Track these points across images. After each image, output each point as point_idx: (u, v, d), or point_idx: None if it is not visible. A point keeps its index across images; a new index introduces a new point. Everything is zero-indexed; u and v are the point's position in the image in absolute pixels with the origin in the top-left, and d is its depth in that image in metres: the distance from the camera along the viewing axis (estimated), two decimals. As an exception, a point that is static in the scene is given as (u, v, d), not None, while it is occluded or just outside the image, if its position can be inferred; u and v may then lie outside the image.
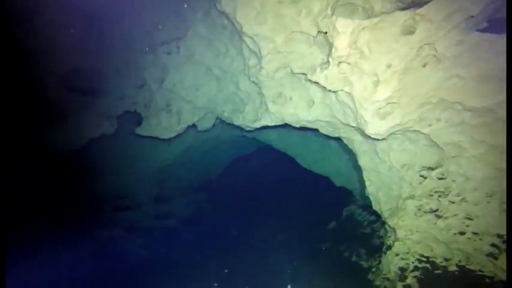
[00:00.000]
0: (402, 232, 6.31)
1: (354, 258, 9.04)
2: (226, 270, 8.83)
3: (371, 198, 7.53)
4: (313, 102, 6.92)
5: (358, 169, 10.54)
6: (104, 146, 9.79)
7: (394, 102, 5.23)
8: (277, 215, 14.12)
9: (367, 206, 11.23)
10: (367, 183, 7.49)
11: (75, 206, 11.21)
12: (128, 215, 12.65)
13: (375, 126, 5.55)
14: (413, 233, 6.17)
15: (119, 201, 12.51)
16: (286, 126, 11.24)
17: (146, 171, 12.28)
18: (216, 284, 7.78)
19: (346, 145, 10.87)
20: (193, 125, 9.87)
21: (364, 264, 8.41)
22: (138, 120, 8.65)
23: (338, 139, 11.04)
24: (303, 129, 10.49)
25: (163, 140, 8.95)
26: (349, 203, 12.46)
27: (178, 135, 10.17)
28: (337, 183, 12.45)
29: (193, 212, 15.36)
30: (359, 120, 5.88)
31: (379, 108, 5.32)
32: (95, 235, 11.50)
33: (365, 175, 7.50)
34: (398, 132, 5.91)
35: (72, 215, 11.18)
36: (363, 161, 7.39)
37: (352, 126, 6.65)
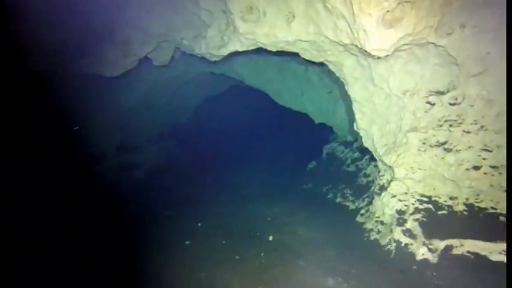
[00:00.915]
0: (402, 171, 5.30)
1: (338, 200, 8.22)
2: (199, 224, 7.80)
3: (362, 133, 6.40)
4: (294, 16, 5.30)
5: (344, 102, 9.34)
6: (41, 86, 7.76)
7: (407, 1, 3.77)
8: (254, 158, 13.05)
9: (349, 142, 10.29)
10: (357, 117, 6.29)
11: (23, 163, 9.47)
12: (89, 169, 11.10)
13: (379, 39, 4.14)
14: (415, 171, 5.17)
15: (76, 153, 10.84)
16: (260, 53, 9.61)
17: (103, 117, 10.48)
18: (187, 242, 6.75)
19: (328, 76, 9.54)
20: (149, 60, 8.04)
21: (351, 205, 7.60)
22: (74, 52, 6.71)
23: (320, 69, 9.68)
24: (281, 55, 8.97)
25: (112, 78, 7.15)
26: (329, 140, 11.49)
27: (131, 73, 8.34)
28: (317, 120, 11.31)
29: (163, 161, 13.99)
30: (356, 34, 4.43)
31: (387, 11, 3.86)
32: (56, 194, 9.98)
33: (355, 107, 6.26)
34: (405, 48, 4.55)
35: (24, 173, 9.51)
36: (354, 91, 6.09)
37: (343, 45, 5.20)
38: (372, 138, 6.06)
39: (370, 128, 6.09)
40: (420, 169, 5.10)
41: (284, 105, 11.75)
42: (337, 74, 6.40)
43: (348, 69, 5.91)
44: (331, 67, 6.40)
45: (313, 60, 6.37)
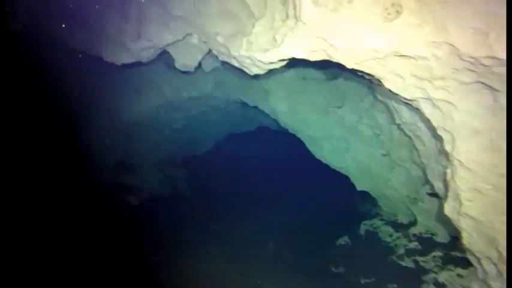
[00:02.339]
0: None
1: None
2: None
3: (464, 223, 3.77)
4: (401, 7, 3.12)
5: (404, 168, 6.82)
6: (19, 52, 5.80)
7: None
8: (272, 214, 10.41)
9: (401, 225, 7.56)
10: (464, 196, 3.72)
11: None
12: (71, 182, 8.86)
13: None
14: None
15: (64, 163, 8.69)
16: (307, 82, 7.54)
17: (104, 125, 8.44)
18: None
19: (389, 134, 7.17)
20: (169, 60, 6.08)
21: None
22: (69, 21, 4.79)
23: (377, 123, 7.35)
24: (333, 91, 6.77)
25: (114, 66, 5.12)
26: (371, 214, 8.80)
27: (143, 73, 6.37)
28: (359, 186, 8.74)
29: (165, 191, 11.61)
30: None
31: None
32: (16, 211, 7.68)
33: (461, 177, 3.74)
34: None
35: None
36: (467, 151, 3.62)
37: (480, 67, 2.89)
38: (491, 235, 3.43)
39: (487, 216, 3.50)
40: None
41: (321, 159, 9.33)
42: (436, 122, 3.98)
43: (466, 114, 3.51)
44: (426, 111, 4.02)
45: (401, 94, 4.05)
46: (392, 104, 5.65)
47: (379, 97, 6.13)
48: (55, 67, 5.56)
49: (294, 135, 9.64)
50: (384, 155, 7.83)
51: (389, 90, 4.11)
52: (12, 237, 7.30)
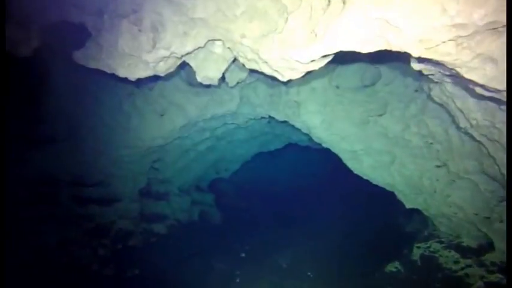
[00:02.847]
0: None
1: None
2: None
3: None
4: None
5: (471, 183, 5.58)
6: (27, 82, 5.32)
7: None
8: (307, 243, 9.27)
9: (468, 249, 6.23)
10: None
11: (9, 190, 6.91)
12: (93, 211, 8.23)
13: None
14: None
15: (83, 189, 8.12)
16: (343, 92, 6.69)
17: (125, 151, 7.82)
18: None
19: (447, 141, 6.02)
20: (188, 74, 5.38)
21: None
22: (80, 38, 4.21)
23: (429, 130, 6.23)
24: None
25: (127, 81, 4.44)
26: (424, 236, 7.48)
27: (165, 92, 5.68)
28: (408, 204, 7.51)
29: (193, 217, 10.79)
30: None
31: None
32: (36, 237, 7.11)
33: None
34: None
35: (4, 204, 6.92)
36: None
37: None
38: None
39: None
40: None
41: (361, 175, 8.20)
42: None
43: None
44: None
45: (490, 85, 3.01)
46: (457, 104, 4.58)
47: (436, 99, 5.07)
48: (68, 90, 5.03)
49: (328, 150, 8.61)
50: (438, 166, 6.66)
51: (470, 81, 3.10)
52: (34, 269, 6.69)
